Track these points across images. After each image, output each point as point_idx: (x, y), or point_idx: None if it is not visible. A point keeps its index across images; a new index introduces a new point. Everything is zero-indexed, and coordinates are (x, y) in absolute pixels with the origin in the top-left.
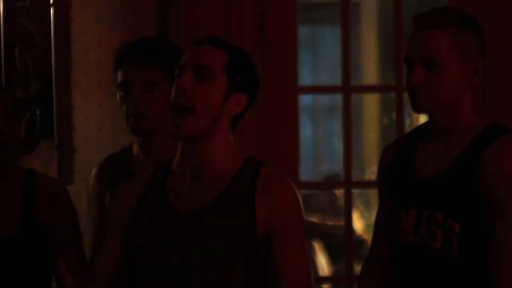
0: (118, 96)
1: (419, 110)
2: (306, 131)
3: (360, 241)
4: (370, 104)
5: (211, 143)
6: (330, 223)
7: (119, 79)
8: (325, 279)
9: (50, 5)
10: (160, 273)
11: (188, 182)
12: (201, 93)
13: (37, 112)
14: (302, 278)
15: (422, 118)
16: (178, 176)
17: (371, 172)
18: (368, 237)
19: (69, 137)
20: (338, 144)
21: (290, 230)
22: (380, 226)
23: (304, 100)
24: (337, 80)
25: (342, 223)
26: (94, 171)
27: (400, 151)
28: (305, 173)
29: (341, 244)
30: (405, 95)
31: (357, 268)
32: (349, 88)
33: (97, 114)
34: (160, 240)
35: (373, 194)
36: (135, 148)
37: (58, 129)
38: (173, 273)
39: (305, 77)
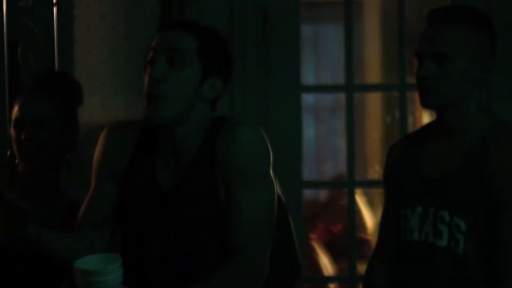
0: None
1: (427, 105)
2: (308, 130)
3: (362, 240)
4: (373, 103)
5: (189, 127)
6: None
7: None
8: (329, 279)
9: (53, 4)
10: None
11: (168, 161)
12: (173, 81)
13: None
14: (255, 229)
15: (425, 118)
16: (163, 156)
17: (374, 171)
18: (372, 236)
19: None
20: (341, 143)
21: (245, 173)
22: (385, 224)
23: (307, 99)
24: (340, 79)
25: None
26: None
27: (406, 149)
28: (308, 173)
29: (344, 244)
30: (408, 94)
31: (360, 267)
32: (352, 87)
33: (100, 113)
34: (146, 216)
35: (377, 193)
36: None
37: None
38: (152, 248)
39: (307, 76)
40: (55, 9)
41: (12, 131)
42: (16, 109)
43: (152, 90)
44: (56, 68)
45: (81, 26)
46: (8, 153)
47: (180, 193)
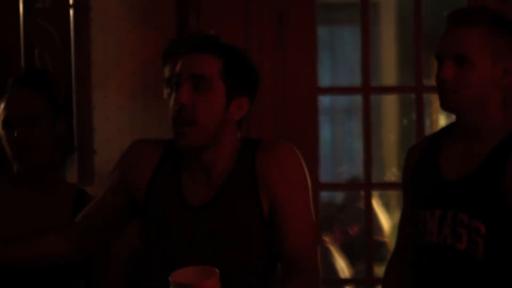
0: (165, 92)
1: (447, 108)
2: (324, 132)
3: (379, 242)
4: (389, 105)
5: (218, 148)
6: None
7: (166, 74)
8: (346, 281)
9: (69, 6)
10: (173, 263)
11: (201, 180)
12: (201, 106)
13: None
14: (308, 240)
15: (441, 120)
16: (190, 172)
17: (391, 174)
18: (388, 239)
19: (89, 138)
20: (357, 145)
21: (289, 188)
22: (404, 227)
23: (323, 101)
24: (356, 81)
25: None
26: None
27: (425, 152)
28: (324, 175)
29: (360, 246)
30: (425, 96)
31: (377, 270)
32: (369, 89)
33: (117, 115)
34: (174, 232)
35: (393, 196)
36: None
37: (78, 130)
38: (182, 261)
39: (324, 78)
40: (71, 11)
41: (1, 130)
42: (2, 108)
43: (181, 116)
44: (73, 71)
45: (98, 28)
46: None
47: (215, 208)
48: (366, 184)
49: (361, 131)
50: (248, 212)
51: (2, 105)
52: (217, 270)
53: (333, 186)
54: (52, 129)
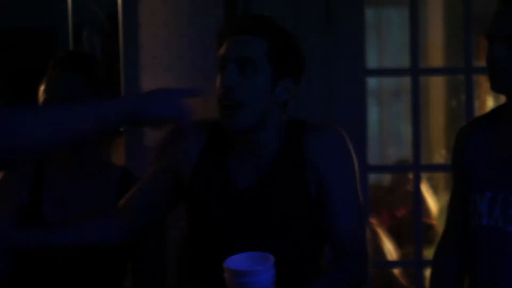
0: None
1: (498, 89)
2: (371, 114)
3: (427, 225)
4: (437, 86)
5: (265, 130)
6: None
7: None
8: (394, 264)
9: None
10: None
11: (245, 160)
12: (247, 88)
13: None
14: (357, 223)
15: (489, 102)
16: (236, 154)
17: (440, 156)
18: (436, 221)
19: None
20: (404, 127)
21: (338, 172)
22: (453, 210)
23: (370, 83)
24: (402, 62)
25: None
26: None
27: (475, 133)
28: (372, 157)
29: (408, 229)
30: (475, 77)
31: (425, 252)
32: (417, 70)
33: None
34: (222, 213)
35: (441, 178)
36: None
37: None
38: (232, 243)
39: (370, 60)
40: None
41: None
42: (42, 91)
43: (227, 98)
44: (121, 53)
45: (146, 10)
46: None
47: (264, 190)
48: (415, 166)
49: (408, 113)
50: (295, 194)
51: (42, 87)
52: (272, 257)
53: (381, 168)
54: None
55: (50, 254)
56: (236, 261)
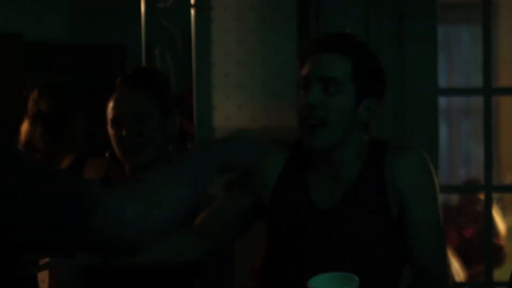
0: (301, 92)
1: None
2: (441, 133)
3: (495, 246)
4: (506, 105)
5: (346, 150)
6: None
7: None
8: (464, 285)
9: (191, 6)
10: (302, 265)
11: (325, 179)
12: (331, 107)
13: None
14: (438, 246)
15: None
16: (316, 174)
17: (511, 176)
18: (504, 241)
19: (209, 138)
20: (473, 147)
21: (420, 195)
22: None
23: (439, 101)
24: (472, 81)
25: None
26: None
27: None
28: (441, 176)
29: (475, 249)
30: None
31: (495, 273)
32: (490, 89)
33: (236, 115)
34: (303, 233)
35: (508, 199)
36: None
37: (198, 130)
38: (312, 264)
39: (440, 78)
40: (193, 11)
41: (110, 129)
42: (111, 107)
43: (311, 116)
44: (193, 70)
45: (219, 28)
46: (107, 154)
47: (345, 211)
48: (486, 186)
49: (477, 132)
50: (376, 215)
51: (111, 104)
52: (356, 277)
53: (452, 188)
54: (161, 128)
55: (119, 272)
56: (320, 281)
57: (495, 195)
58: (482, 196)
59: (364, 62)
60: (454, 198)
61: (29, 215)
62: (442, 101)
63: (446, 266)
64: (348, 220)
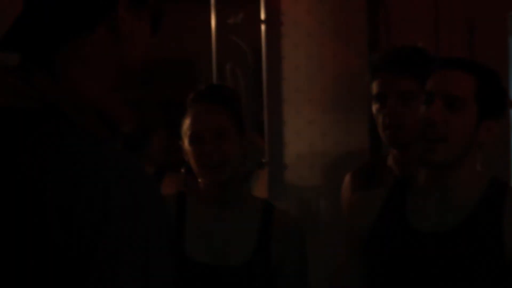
0: (373, 108)
1: None
2: None
3: None
4: None
5: (461, 169)
6: None
7: (375, 90)
8: None
9: (261, 22)
10: None
11: (434, 203)
12: (452, 124)
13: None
14: None
15: None
16: (422, 196)
17: None
18: None
19: (280, 153)
20: None
21: None
22: None
23: None
24: None
25: None
26: (346, 178)
27: None
28: None
29: None
30: None
31: None
32: None
33: (307, 130)
34: (400, 259)
35: None
36: (390, 159)
37: (270, 144)
38: None
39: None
40: (263, 27)
41: (187, 146)
42: (190, 123)
43: (432, 133)
44: (264, 86)
45: (289, 43)
46: (182, 170)
47: (456, 238)
48: None
49: None
50: (488, 253)
51: (188, 120)
52: None
53: None
54: (238, 144)
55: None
56: None
57: None
58: None
59: (489, 82)
60: None
61: None
62: None
63: None
64: (458, 248)
